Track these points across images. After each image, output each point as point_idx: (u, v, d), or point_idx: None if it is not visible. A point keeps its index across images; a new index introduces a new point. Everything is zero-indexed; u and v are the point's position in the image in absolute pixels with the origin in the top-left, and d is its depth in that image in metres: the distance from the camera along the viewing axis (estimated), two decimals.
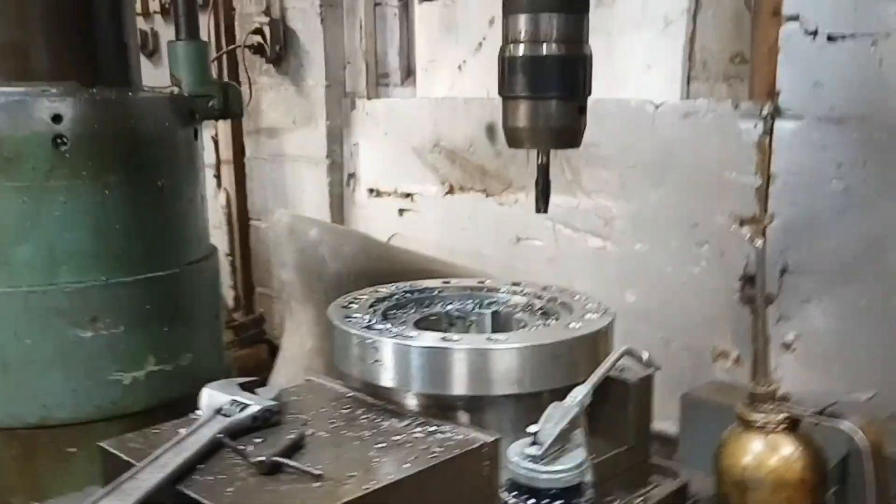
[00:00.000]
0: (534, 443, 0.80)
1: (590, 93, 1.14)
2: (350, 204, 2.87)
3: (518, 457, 0.81)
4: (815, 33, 1.75)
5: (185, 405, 1.13)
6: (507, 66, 1.12)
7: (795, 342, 1.93)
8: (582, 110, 1.11)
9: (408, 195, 2.72)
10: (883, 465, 1.16)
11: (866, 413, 1.57)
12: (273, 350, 2.70)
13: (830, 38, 1.72)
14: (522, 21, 1.09)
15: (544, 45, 1.08)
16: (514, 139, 1.11)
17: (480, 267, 2.27)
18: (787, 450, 1.14)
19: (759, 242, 1.16)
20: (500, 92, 1.13)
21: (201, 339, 1.86)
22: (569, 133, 1.11)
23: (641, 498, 1.25)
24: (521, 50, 1.10)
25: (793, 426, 1.16)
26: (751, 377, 2.08)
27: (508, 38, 1.11)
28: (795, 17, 1.75)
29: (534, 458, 0.80)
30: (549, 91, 1.08)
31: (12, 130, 1.54)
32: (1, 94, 1.55)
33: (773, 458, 1.13)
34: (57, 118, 1.57)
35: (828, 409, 1.20)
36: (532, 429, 0.81)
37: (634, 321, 2.00)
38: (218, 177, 3.28)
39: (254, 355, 2.92)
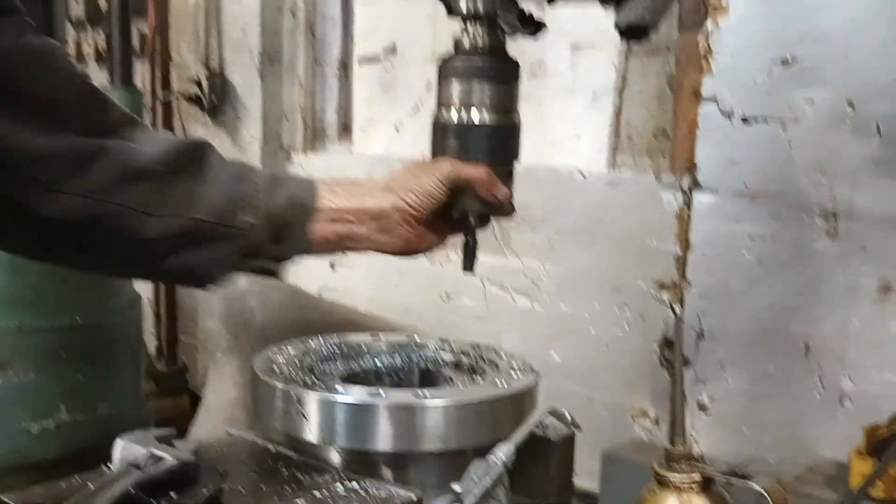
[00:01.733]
0: (455, 500, 0.82)
1: (518, 159, 1.20)
2: None
3: None
4: (730, 115, 1.86)
5: (98, 456, 1.09)
6: (438, 130, 1.16)
7: (710, 404, 2.00)
8: (509, 175, 1.16)
9: None
10: None
11: (774, 474, 1.65)
12: (195, 400, 2.64)
13: (745, 120, 1.84)
14: (455, 87, 1.14)
15: (474, 111, 1.13)
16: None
17: (411, 322, 2.29)
18: None
19: (678, 308, 1.22)
20: (433, 154, 1.17)
21: (120, 389, 1.81)
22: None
23: None
24: (452, 115, 1.14)
25: (706, 485, 1.20)
26: (668, 437, 2.15)
27: (441, 103, 1.15)
28: (713, 99, 1.87)
29: None
30: (479, 156, 1.13)
31: None
32: None
33: None
34: None
35: (739, 470, 1.26)
36: (455, 486, 0.83)
37: (560, 379, 2.05)
38: None
39: (175, 406, 2.85)
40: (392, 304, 2.56)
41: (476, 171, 1.11)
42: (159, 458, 1.04)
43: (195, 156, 1.01)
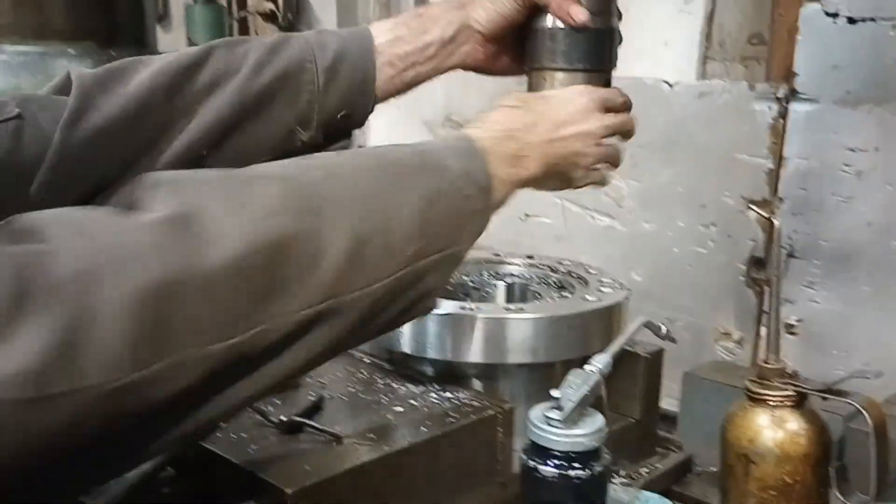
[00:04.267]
0: (555, 407, 0.82)
1: (615, 66, 1.15)
2: None
3: (539, 420, 0.82)
4: (835, 15, 1.74)
5: None
6: (532, 35, 1.11)
7: (799, 325, 1.95)
8: (607, 83, 1.11)
9: None
10: (884, 444, 1.19)
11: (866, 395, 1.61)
12: None
13: (851, 21, 1.72)
14: None
15: None
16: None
17: (487, 243, 2.28)
18: (793, 425, 1.16)
19: (777, 221, 1.17)
20: (526, 62, 1.13)
21: None
22: None
23: (647, 469, 1.28)
24: (548, 20, 1.09)
25: (800, 402, 1.18)
26: (751, 359, 2.11)
27: None
28: None
29: (555, 422, 0.81)
30: (581, 63, 1.08)
31: (32, 88, 1.54)
32: (21, 52, 1.55)
33: (779, 432, 1.15)
34: None
35: (834, 387, 1.22)
36: (555, 393, 0.82)
37: (640, 299, 2.01)
38: None
39: None
40: None
41: None
42: None
43: (250, 99, 0.95)
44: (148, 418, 0.61)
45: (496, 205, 0.89)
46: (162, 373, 0.58)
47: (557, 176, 1.01)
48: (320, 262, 0.67)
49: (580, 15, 1.03)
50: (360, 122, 1.05)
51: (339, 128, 1.03)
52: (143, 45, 1.73)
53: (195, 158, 0.93)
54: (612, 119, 1.03)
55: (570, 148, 0.99)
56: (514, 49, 1.10)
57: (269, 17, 2.84)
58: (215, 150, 0.94)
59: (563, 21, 1.04)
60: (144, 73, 0.91)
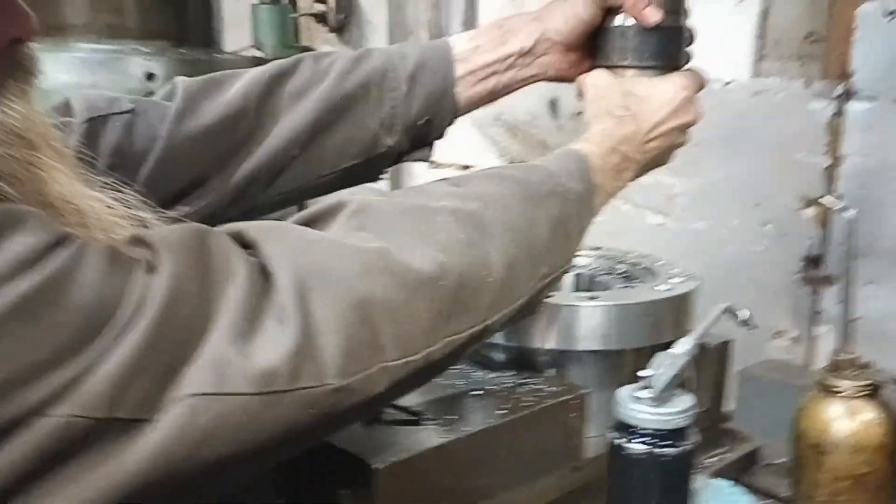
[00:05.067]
0: (645, 387, 0.83)
1: (686, 64, 1.16)
2: (407, 175, 2.90)
3: (629, 399, 0.84)
4: (893, 13, 1.74)
5: None
6: (604, 34, 1.13)
7: (857, 322, 1.93)
8: None
9: (467, 167, 2.75)
10: None
11: None
12: None
13: None
14: None
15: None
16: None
17: None
18: (867, 415, 1.15)
19: (850, 213, 1.17)
20: (597, 61, 1.14)
21: None
22: None
23: (717, 458, 1.28)
24: (618, 18, 1.11)
25: (873, 393, 1.17)
26: (804, 357, 2.10)
27: None
28: None
29: (646, 401, 0.83)
30: (651, 60, 1.09)
31: (109, 86, 1.59)
32: (100, 50, 1.60)
33: (854, 422, 1.15)
34: (150, 76, 1.62)
35: None
36: (644, 373, 0.84)
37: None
38: None
39: None
40: None
41: None
42: None
43: (335, 104, 1.02)
44: (336, 422, 0.68)
45: (597, 216, 0.97)
46: (366, 379, 0.64)
47: (651, 168, 1.05)
48: (486, 288, 0.75)
49: (655, 14, 1.05)
50: (442, 129, 1.10)
51: (422, 134, 1.08)
52: (211, 43, 1.77)
53: (287, 158, 1.00)
54: (699, 104, 1.06)
55: (668, 141, 1.04)
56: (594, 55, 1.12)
57: (321, 18, 2.89)
58: (305, 152, 1.02)
59: (639, 20, 1.06)
60: (240, 83, 1.01)
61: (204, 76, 1.02)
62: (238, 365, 0.57)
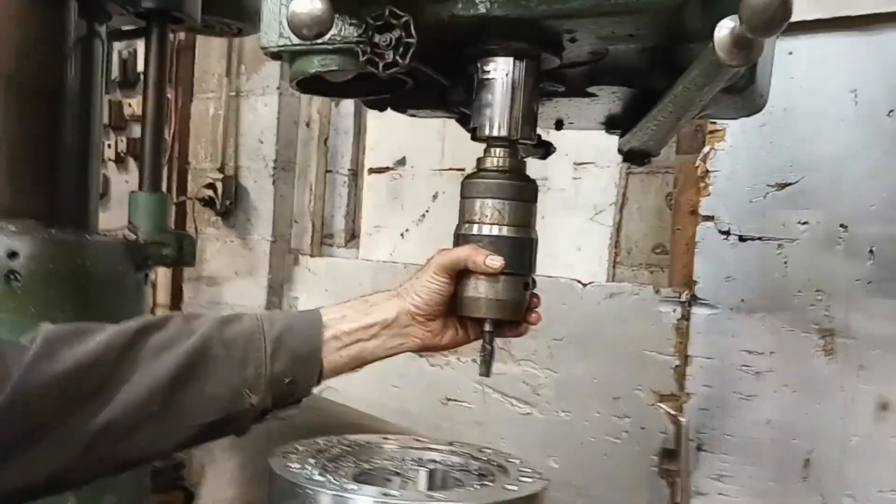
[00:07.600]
0: None
1: (534, 272, 1.27)
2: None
3: None
4: (727, 233, 1.95)
5: None
6: (461, 241, 1.22)
7: None
8: (526, 286, 1.23)
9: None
10: None
11: None
12: (189, 497, 2.60)
13: (741, 238, 1.93)
14: (478, 204, 1.21)
15: (495, 226, 1.21)
16: (469, 307, 1.20)
17: (408, 425, 2.30)
18: None
19: (683, 418, 1.26)
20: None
21: (127, 480, 1.80)
22: (516, 306, 1.23)
23: None
24: (474, 229, 1.21)
25: None
26: None
27: (464, 218, 1.22)
28: (711, 218, 1.97)
29: None
30: (506, 268, 1.19)
31: None
32: None
33: None
34: (12, 255, 1.59)
35: None
36: None
37: (557, 488, 2.04)
38: None
39: (168, 502, 2.78)
40: (391, 406, 2.58)
41: (463, 250, 1.16)
42: None
43: (198, 359, 1.06)
44: None
45: None
46: None
47: None
48: None
49: (495, 262, 1.16)
50: (308, 388, 1.15)
51: (287, 393, 1.12)
52: (84, 225, 1.77)
53: (145, 413, 1.02)
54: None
55: None
56: (456, 323, 1.20)
57: (208, 202, 2.96)
58: (163, 407, 1.03)
59: (483, 274, 1.16)
60: (104, 333, 1.03)
61: (73, 324, 1.04)
62: None
